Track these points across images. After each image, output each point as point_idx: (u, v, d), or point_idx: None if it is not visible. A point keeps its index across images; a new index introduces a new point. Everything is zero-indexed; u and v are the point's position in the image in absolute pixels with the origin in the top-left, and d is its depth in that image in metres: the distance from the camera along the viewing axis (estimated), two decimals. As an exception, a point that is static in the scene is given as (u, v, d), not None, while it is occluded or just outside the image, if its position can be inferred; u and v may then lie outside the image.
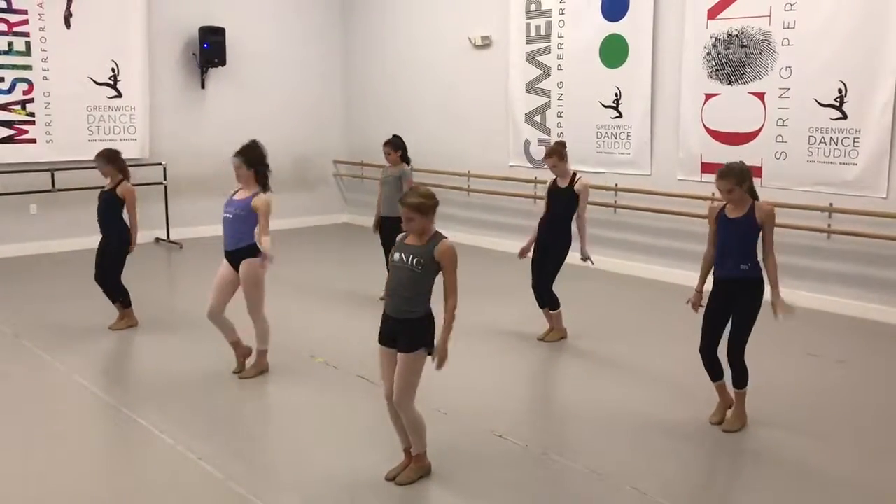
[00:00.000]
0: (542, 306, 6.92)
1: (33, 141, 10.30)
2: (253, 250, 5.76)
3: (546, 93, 10.14)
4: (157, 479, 4.47)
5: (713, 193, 8.50)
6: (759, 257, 4.99)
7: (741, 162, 5.06)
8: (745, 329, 4.97)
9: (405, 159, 8.28)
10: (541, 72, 10.18)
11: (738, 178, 4.86)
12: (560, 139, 7.83)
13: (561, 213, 6.76)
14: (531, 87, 10.32)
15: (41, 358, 6.38)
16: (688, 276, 8.86)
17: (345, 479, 4.41)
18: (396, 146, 8.24)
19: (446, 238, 4.17)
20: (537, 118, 10.29)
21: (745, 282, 4.94)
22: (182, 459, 4.62)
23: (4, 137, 10.11)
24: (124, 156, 7.13)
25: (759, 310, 4.95)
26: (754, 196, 4.99)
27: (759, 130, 8.23)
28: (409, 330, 4.17)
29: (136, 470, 4.64)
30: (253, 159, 5.75)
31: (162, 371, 6.17)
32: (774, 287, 4.95)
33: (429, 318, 4.21)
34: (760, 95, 8.19)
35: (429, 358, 4.20)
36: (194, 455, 4.64)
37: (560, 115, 10.01)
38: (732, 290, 4.97)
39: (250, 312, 5.88)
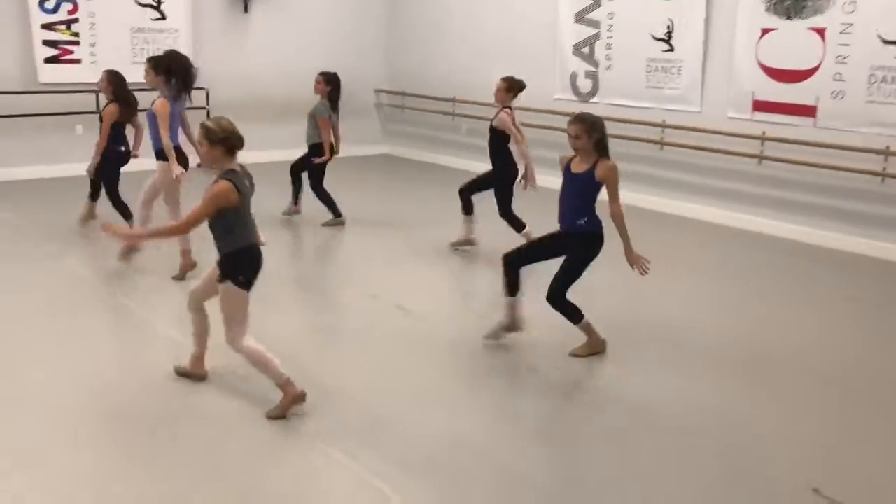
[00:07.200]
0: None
1: (78, 62, 10.32)
2: (161, 154, 6.31)
3: (596, 24, 9.84)
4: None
5: (763, 133, 8.31)
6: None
7: (598, 115, 5.01)
8: (569, 276, 4.97)
9: (333, 98, 8.08)
10: (591, 1, 9.86)
11: (587, 127, 4.81)
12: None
13: (490, 148, 7.16)
14: (580, 18, 10.01)
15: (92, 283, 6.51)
16: (734, 217, 8.72)
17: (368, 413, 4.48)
18: (328, 80, 8.09)
19: (224, 182, 4.12)
20: (585, 50, 10.02)
21: (583, 235, 4.95)
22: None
23: (50, 57, 10.15)
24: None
25: (589, 260, 4.96)
26: (604, 154, 4.89)
27: (817, 68, 7.91)
28: (220, 264, 4.29)
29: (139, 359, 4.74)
30: (159, 64, 6.20)
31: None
32: (625, 241, 4.91)
33: (232, 255, 4.21)
34: (821, 31, 7.85)
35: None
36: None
37: (609, 47, 9.72)
38: (570, 242, 4.99)
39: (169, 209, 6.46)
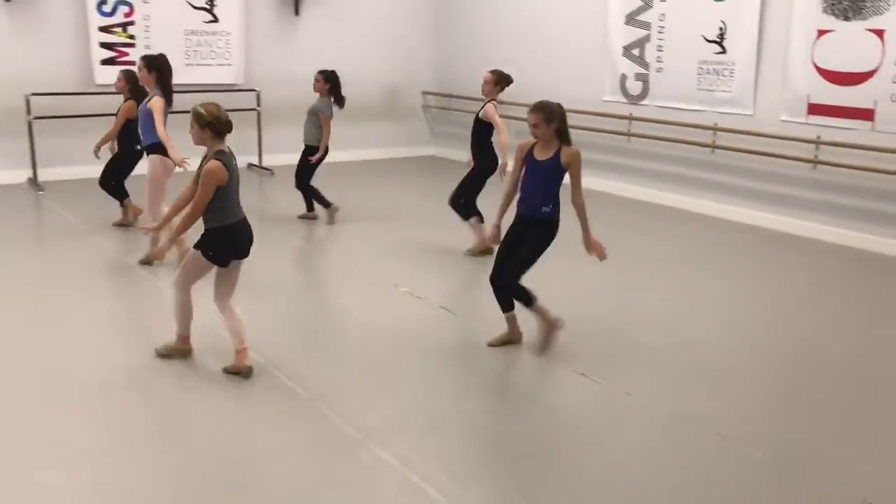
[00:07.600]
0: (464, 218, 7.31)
1: (133, 63, 10.49)
2: (155, 148, 6.54)
3: (646, 25, 9.74)
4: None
5: (818, 136, 8.12)
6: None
7: (558, 103, 4.94)
8: (526, 260, 4.98)
9: (334, 95, 8.19)
10: (642, 3, 9.76)
11: (546, 115, 4.82)
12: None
13: (473, 139, 7.28)
14: (631, 19, 9.92)
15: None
16: (787, 222, 8.55)
17: (413, 405, 4.48)
18: (327, 78, 8.17)
19: (214, 161, 4.38)
20: (636, 52, 9.91)
21: (544, 223, 4.96)
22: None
23: (106, 59, 10.37)
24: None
25: (546, 247, 4.98)
26: (566, 140, 4.90)
27: (875, 71, 7.71)
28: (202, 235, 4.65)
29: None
30: (152, 63, 6.53)
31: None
32: (584, 227, 4.94)
33: (213, 231, 4.54)
34: (879, 33, 7.64)
35: None
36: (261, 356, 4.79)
37: (660, 48, 9.61)
38: (530, 228, 4.99)
39: (147, 204, 6.68)
